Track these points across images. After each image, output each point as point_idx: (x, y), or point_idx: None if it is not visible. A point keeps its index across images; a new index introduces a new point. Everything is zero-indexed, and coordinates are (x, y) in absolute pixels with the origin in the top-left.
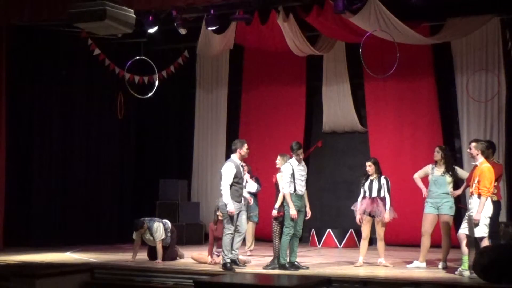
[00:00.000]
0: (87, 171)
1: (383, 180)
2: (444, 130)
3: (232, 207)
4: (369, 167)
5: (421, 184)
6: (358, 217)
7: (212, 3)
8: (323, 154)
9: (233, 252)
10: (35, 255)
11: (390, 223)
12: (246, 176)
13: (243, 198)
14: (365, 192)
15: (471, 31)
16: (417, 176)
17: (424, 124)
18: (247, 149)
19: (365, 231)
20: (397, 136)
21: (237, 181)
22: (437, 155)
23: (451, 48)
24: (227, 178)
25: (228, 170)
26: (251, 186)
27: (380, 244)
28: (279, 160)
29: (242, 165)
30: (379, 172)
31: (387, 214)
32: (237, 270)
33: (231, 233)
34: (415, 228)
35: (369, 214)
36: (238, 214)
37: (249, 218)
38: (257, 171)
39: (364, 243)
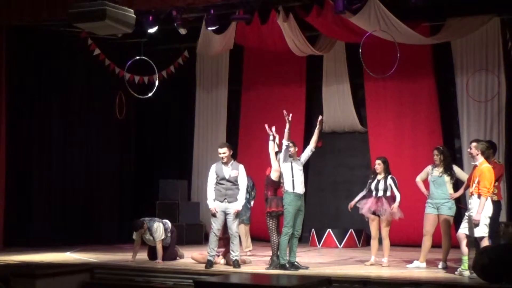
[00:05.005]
0: (87, 171)
1: (389, 181)
2: (444, 130)
3: (211, 205)
4: (378, 165)
5: (423, 188)
6: (363, 211)
7: (212, 3)
8: (323, 154)
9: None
10: (35, 255)
11: (391, 223)
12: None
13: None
14: (371, 191)
15: (471, 31)
16: (419, 179)
17: (424, 124)
18: (219, 153)
19: (373, 231)
20: (397, 136)
21: (219, 182)
22: (436, 158)
23: (451, 48)
24: (208, 179)
25: (210, 171)
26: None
27: (385, 243)
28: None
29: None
30: (387, 172)
31: (396, 208)
32: (235, 270)
33: (214, 231)
34: (415, 228)
35: (374, 213)
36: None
37: (241, 221)
38: (258, 171)
39: (374, 242)
